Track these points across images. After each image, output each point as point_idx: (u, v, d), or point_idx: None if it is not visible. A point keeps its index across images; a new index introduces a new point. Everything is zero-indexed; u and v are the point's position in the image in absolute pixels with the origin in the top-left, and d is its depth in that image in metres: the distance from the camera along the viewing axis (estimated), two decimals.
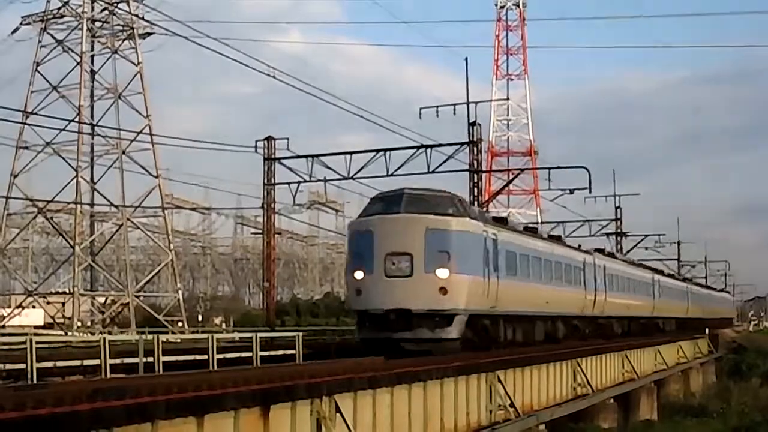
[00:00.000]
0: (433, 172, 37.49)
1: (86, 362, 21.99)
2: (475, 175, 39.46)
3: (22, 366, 20.34)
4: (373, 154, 37.64)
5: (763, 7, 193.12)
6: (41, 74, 52.55)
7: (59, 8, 52.61)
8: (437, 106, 40.10)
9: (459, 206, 24.89)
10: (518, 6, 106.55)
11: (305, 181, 39.86)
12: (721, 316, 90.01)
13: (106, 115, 54.14)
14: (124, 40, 54.12)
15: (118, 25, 53.99)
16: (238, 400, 12.31)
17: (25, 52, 53.73)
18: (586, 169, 39.64)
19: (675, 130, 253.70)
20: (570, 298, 34.10)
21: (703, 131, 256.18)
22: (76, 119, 48.48)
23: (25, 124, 49.08)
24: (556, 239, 36.39)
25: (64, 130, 46.59)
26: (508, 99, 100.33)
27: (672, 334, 56.09)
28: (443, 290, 22.95)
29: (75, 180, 50.64)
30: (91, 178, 54.63)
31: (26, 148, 52.29)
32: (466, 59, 42.95)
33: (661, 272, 60.98)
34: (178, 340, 33.42)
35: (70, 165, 50.83)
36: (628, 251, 68.18)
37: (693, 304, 68.40)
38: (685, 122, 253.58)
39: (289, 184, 40.26)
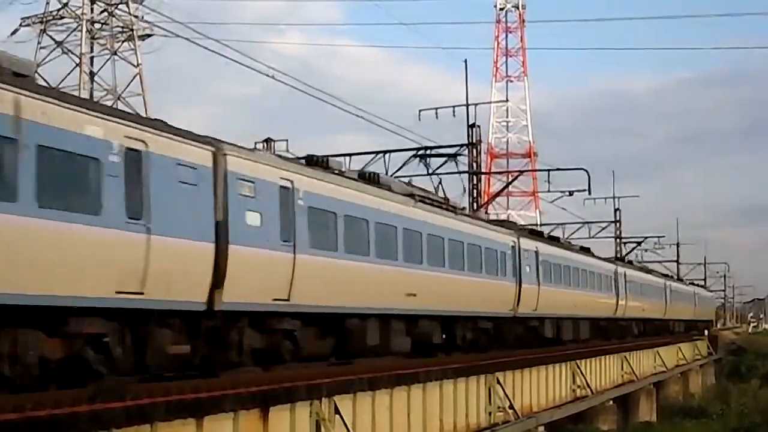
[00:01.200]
0: (432, 173, 37.44)
1: None
2: (475, 177, 39.43)
3: None
4: (373, 155, 37.56)
5: (762, 8, 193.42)
6: (41, 75, 52.49)
7: (59, 10, 52.54)
8: (436, 108, 40.03)
9: None
10: (518, 8, 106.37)
11: None
12: (689, 317, 68.02)
13: None
14: (123, 41, 54.05)
15: (118, 26, 53.96)
16: (238, 402, 12.31)
17: (25, 54, 53.72)
18: (586, 171, 39.55)
19: (674, 131, 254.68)
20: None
21: (702, 132, 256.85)
22: None
23: None
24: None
25: None
26: (507, 101, 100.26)
27: (580, 346, 34.37)
28: None
29: None
30: None
31: None
32: (465, 61, 42.68)
33: (568, 244, 39.87)
34: None
35: None
36: (627, 253, 68.00)
37: (635, 300, 46.16)
38: (685, 123, 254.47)
39: None
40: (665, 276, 64.83)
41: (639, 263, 64.23)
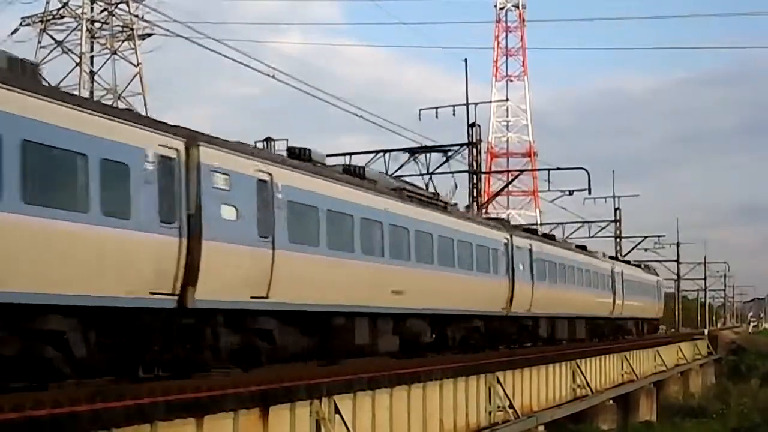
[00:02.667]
0: (432, 173, 37.47)
1: None
2: (475, 177, 39.43)
3: None
4: (373, 155, 37.60)
5: (762, 8, 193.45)
6: (41, 75, 52.46)
7: (59, 9, 52.54)
8: (437, 107, 40.05)
9: None
10: (518, 7, 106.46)
11: None
12: (601, 312, 40.74)
13: None
14: (123, 41, 54.03)
15: (118, 26, 53.95)
16: (238, 402, 12.30)
17: (25, 53, 53.65)
18: (586, 170, 39.54)
19: (674, 130, 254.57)
20: None
21: (702, 132, 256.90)
22: None
23: None
24: None
25: None
26: (507, 100, 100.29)
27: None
28: None
29: None
30: None
31: None
32: (466, 60, 42.81)
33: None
34: None
35: None
36: (627, 253, 67.94)
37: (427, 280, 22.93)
38: (685, 123, 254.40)
39: None
40: (546, 238, 35.26)
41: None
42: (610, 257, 48.24)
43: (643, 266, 57.22)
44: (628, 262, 52.55)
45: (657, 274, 60.78)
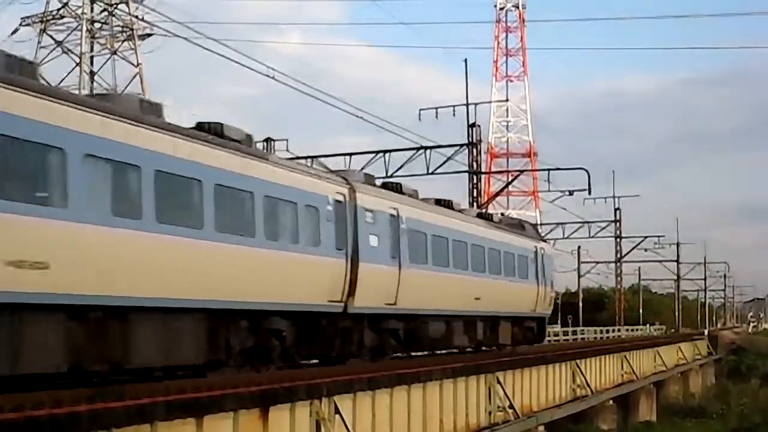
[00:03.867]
0: (432, 173, 37.48)
1: None
2: (475, 177, 39.45)
3: None
4: (373, 155, 37.62)
5: (762, 8, 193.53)
6: (41, 75, 52.45)
7: (59, 9, 52.56)
8: (437, 108, 40.10)
9: None
10: (518, 7, 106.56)
11: None
12: (316, 302, 17.63)
13: None
14: (123, 41, 54.05)
15: (118, 26, 53.94)
16: (238, 402, 12.29)
17: (25, 53, 53.66)
18: (586, 170, 39.45)
19: (674, 131, 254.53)
20: None
21: (702, 132, 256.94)
22: None
23: None
24: None
25: None
26: (507, 100, 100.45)
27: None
28: None
29: None
30: None
31: None
32: (466, 60, 42.90)
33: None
34: None
35: None
36: (627, 253, 67.94)
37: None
38: (685, 123, 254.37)
39: None
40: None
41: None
42: (384, 185, 22.45)
43: (502, 217, 31.07)
44: (448, 205, 25.15)
45: (540, 236, 34.72)
